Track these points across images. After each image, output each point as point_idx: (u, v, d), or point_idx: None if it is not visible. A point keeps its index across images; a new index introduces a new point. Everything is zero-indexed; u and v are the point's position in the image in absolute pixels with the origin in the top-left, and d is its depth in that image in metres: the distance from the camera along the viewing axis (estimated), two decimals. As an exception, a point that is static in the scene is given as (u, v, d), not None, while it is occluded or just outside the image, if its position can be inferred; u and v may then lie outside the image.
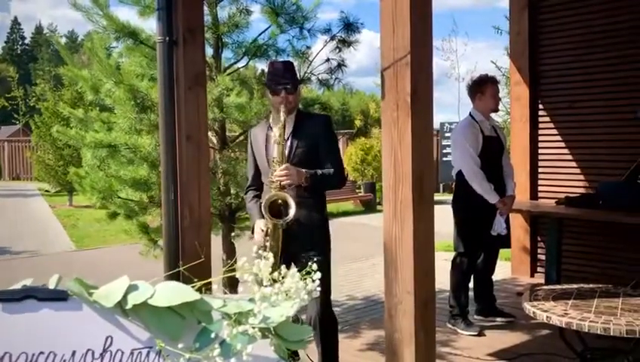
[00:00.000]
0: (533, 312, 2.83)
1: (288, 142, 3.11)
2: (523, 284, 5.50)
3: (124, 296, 0.92)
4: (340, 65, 4.86)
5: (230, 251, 4.94)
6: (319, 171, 3.06)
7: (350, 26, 4.78)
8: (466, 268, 4.30)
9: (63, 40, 61.85)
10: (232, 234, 4.70)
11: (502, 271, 5.63)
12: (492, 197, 4.15)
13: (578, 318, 2.66)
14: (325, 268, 3.00)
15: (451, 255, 4.49)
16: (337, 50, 4.85)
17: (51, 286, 0.94)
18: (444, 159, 15.44)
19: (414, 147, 2.35)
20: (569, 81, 5.51)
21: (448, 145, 15.24)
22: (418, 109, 2.37)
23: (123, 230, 5.41)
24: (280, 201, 3.00)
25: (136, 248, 5.08)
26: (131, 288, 0.93)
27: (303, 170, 3.02)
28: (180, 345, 0.93)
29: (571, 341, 2.97)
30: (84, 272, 7.24)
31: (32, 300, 0.94)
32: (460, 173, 4.27)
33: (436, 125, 16.33)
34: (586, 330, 2.59)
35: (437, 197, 15.02)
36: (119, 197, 4.68)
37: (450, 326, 4.29)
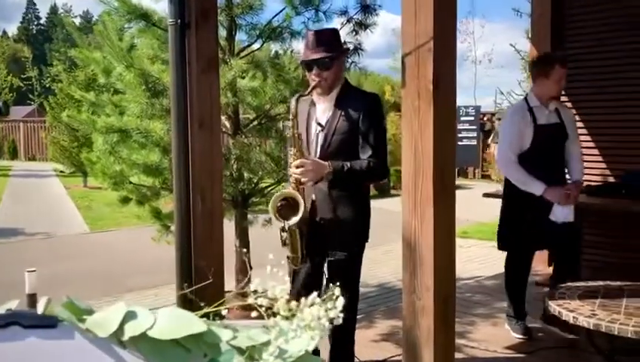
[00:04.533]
0: (559, 312, 2.71)
1: (325, 128, 2.78)
2: (541, 274, 5.37)
3: (121, 326, 0.82)
4: (357, 48, 4.72)
5: (243, 237, 4.87)
6: (348, 164, 2.68)
7: (367, 8, 4.65)
8: (519, 264, 3.89)
9: (78, 20, 61.91)
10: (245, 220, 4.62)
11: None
12: (534, 187, 3.62)
13: (607, 320, 2.52)
14: (351, 269, 2.83)
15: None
16: (354, 33, 4.71)
17: (39, 310, 0.84)
18: (459, 143, 15.24)
19: (436, 138, 2.23)
20: (595, 65, 5.32)
21: (464, 130, 15.08)
22: (441, 98, 2.25)
23: (135, 215, 5.36)
24: (291, 200, 2.70)
25: (149, 231, 5.02)
26: (129, 316, 0.83)
27: (326, 163, 2.68)
28: (184, 382, 0.84)
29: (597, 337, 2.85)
30: (98, 255, 7.17)
31: (17, 327, 0.84)
32: None
33: (452, 108, 16.06)
34: (616, 333, 2.46)
35: (452, 182, 14.85)
36: (131, 183, 4.63)
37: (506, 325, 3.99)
